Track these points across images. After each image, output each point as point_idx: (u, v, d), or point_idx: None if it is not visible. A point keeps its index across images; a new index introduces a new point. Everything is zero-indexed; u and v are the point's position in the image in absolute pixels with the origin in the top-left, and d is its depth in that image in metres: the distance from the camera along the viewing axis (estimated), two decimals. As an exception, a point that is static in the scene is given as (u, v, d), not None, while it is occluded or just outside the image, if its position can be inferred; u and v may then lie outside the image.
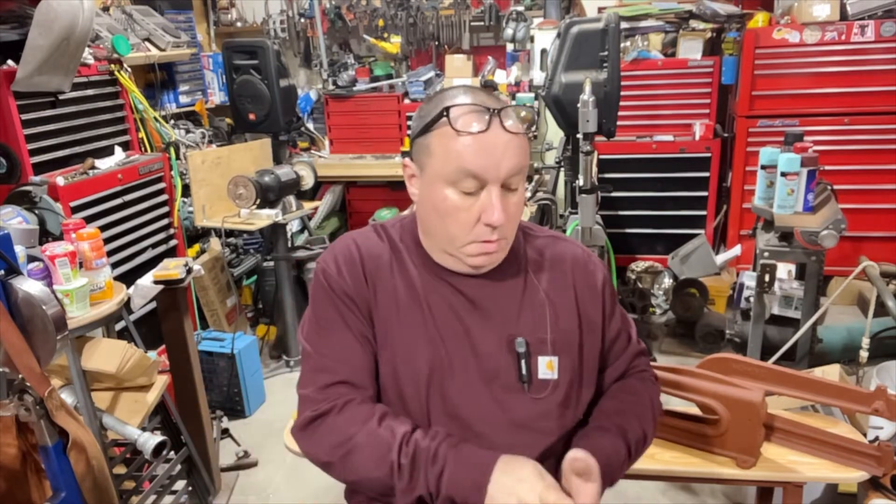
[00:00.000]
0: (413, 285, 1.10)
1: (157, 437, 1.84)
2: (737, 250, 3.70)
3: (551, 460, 1.09)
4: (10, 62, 2.37)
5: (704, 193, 3.85)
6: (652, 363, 1.48)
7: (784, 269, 2.74)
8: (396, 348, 1.08)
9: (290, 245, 3.37)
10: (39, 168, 2.45)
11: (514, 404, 1.07)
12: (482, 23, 4.46)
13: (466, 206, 1.01)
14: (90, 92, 2.74)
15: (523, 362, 1.07)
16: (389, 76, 4.48)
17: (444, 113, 1.01)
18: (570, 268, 1.16)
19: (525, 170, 1.04)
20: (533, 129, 0.87)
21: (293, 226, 3.90)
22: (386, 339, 1.09)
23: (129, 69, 2.97)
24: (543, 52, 3.81)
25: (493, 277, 1.11)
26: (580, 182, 2.63)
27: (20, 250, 1.68)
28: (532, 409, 1.08)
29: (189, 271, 2.20)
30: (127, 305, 2.02)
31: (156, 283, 2.17)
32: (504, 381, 1.07)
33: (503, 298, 1.10)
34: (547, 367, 1.09)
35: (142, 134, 3.07)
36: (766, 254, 2.31)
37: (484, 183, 1.00)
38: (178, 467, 2.18)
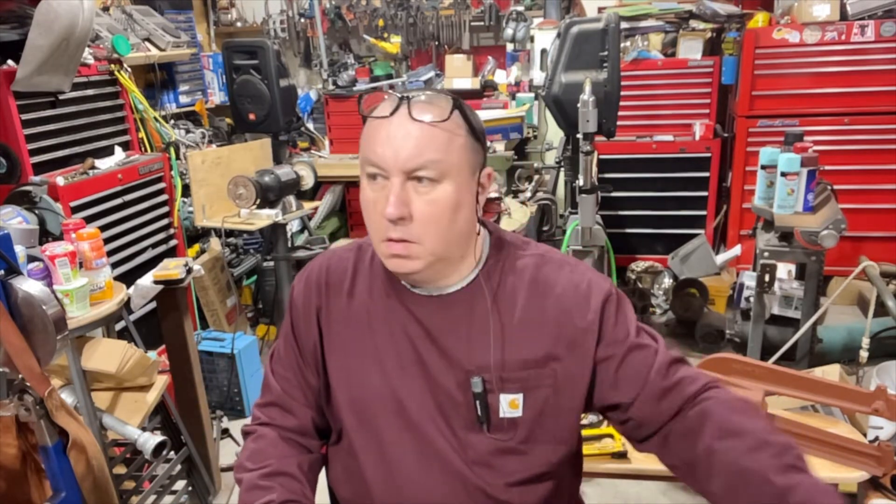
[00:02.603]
0: (369, 311, 1.05)
1: (157, 437, 1.84)
2: (737, 250, 3.70)
3: (521, 495, 1.02)
4: (10, 62, 2.37)
5: (704, 193, 3.85)
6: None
7: (784, 269, 2.73)
8: (349, 376, 1.06)
9: (290, 245, 3.37)
10: (39, 168, 2.45)
11: (472, 442, 1.00)
12: (482, 23, 4.47)
13: (375, 199, 0.94)
14: (90, 92, 2.73)
15: (478, 403, 0.98)
16: (389, 76, 4.48)
17: (358, 99, 0.98)
18: (560, 293, 1.01)
19: (442, 165, 0.92)
20: (447, 118, 0.82)
21: (293, 226, 3.89)
22: (339, 366, 1.07)
23: (129, 69, 2.97)
24: (543, 52, 3.81)
25: (456, 303, 1.01)
26: (580, 182, 2.63)
27: (20, 250, 1.68)
28: (491, 448, 1.00)
29: (189, 271, 2.19)
30: (127, 305, 2.02)
31: (156, 283, 2.17)
32: (462, 419, 1.00)
33: (465, 330, 1.00)
34: (510, 405, 0.99)
35: (142, 134, 3.07)
36: (766, 254, 2.31)
37: (386, 173, 0.92)
38: (178, 467, 2.18)
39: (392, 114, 0.92)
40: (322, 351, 1.09)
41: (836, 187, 2.51)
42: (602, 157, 3.40)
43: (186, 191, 3.17)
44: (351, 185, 4.52)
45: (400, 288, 1.04)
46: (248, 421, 1.15)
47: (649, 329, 1.05)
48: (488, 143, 3.55)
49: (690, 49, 3.77)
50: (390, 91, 0.96)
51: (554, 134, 3.97)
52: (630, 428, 1.03)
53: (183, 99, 4.02)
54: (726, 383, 1.53)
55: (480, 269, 1.03)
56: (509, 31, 4.24)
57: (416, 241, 0.94)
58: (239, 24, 4.85)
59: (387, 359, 1.03)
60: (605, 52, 2.72)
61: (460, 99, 0.97)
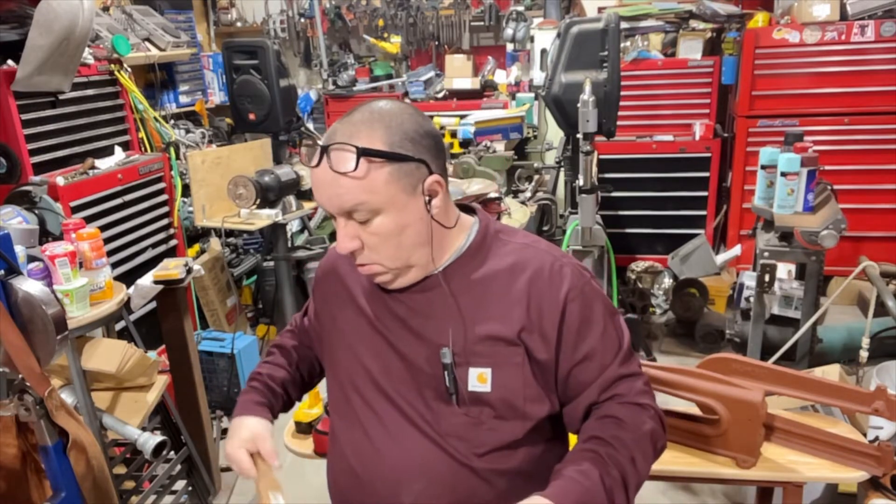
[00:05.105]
0: (365, 295, 1.15)
1: (157, 437, 1.84)
2: (737, 250, 3.70)
3: (499, 468, 1.07)
4: (10, 62, 2.37)
5: (704, 193, 3.85)
6: (652, 363, 1.46)
7: (784, 269, 2.74)
8: (345, 350, 1.16)
9: (290, 245, 3.37)
10: (39, 168, 2.45)
11: (444, 413, 1.06)
12: (482, 23, 4.47)
13: (337, 231, 1.06)
14: (90, 92, 2.74)
15: (446, 374, 1.04)
16: (389, 76, 4.49)
17: (299, 143, 1.04)
18: (529, 277, 1.05)
19: (369, 205, 0.98)
20: (355, 167, 0.91)
21: (293, 226, 3.89)
22: (337, 342, 1.18)
23: (129, 69, 2.97)
24: (543, 52, 3.81)
25: (435, 285, 1.08)
26: (580, 182, 2.63)
27: (20, 250, 1.68)
28: (460, 421, 1.06)
29: (189, 271, 2.20)
30: (127, 305, 2.02)
31: (156, 283, 2.17)
32: (434, 391, 1.07)
33: (441, 307, 1.07)
34: (478, 379, 1.04)
35: (142, 134, 3.07)
36: (766, 254, 2.31)
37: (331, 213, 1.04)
38: (178, 467, 2.18)
39: (318, 164, 0.99)
40: (327, 328, 1.21)
41: (836, 187, 2.51)
42: (602, 157, 3.40)
43: (186, 191, 3.17)
44: (351, 185, 4.52)
45: None
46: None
47: (611, 334, 1.08)
48: (488, 143, 3.57)
49: (690, 49, 3.77)
50: (315, 141, 1.02)
51: (554, 134, 3.97)
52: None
53: (183, 99, 4.02)
54: (726, 383, 1.54)
55: (458, 257, 1.09)
56: (509, 31, 4.25)
57: (375, 262, 1.04)
58: (239, 24, 4.86)
59: (370, 336, 1.12)
60: (605, 52, 2.73)
61: (364, 145, 0.96)
